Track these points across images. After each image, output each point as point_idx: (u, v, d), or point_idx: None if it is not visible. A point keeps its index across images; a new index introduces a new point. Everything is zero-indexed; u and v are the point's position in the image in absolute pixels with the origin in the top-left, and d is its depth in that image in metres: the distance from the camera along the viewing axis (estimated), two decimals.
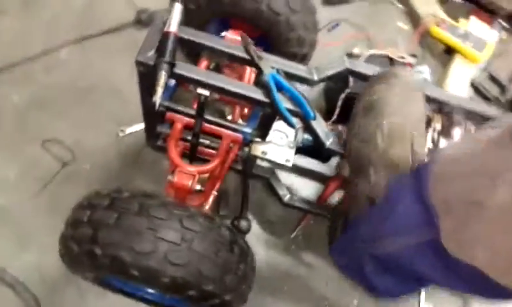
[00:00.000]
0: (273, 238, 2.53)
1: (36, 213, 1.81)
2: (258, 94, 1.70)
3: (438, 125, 2.02)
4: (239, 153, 2.22)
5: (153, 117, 1.98)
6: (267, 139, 2.10)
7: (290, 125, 1.69)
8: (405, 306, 2.47)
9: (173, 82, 1.96)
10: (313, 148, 2.29)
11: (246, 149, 2.09)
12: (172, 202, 1.63)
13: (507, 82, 3.03)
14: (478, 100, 2.90)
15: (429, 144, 1.97)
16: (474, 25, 3.06)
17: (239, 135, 2.00)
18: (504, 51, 3.13)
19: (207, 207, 1.97)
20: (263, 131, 1.95)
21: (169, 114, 1.98)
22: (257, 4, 2.08)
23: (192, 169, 1.88)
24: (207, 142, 2.08)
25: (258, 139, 2.04)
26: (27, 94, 2.59)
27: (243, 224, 2.43)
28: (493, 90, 3.02)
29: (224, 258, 1.61)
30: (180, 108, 1.94)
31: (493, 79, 3.04)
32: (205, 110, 1.87)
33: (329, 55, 2.31)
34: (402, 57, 2.53)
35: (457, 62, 2.96)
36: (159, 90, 1.55)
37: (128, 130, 2.57)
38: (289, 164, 2.12)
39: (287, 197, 2.34)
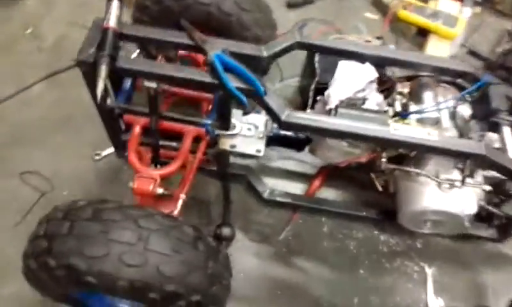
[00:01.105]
0: (262, 244, 2.41)
1: (15, 243, 1.77)
2: (205, 77, 1.67)
3: (405, 89, 1.95)
4: (209, 152, 2.16)
5: (110, 122, 1.96)
6: (235, 131, 2.05)
7: (242, 103, 1.64)
8: (413, 297, 2.28)
9: (128, 83, 1.95)
10: (287, 138, 2.24)
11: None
12: (128, 205, 1.57)
13: (488, 54, 2.94)
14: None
15: (398, 108, 1.89)
16: (445, 4, 3.03)
17: (201, 129, 1.94)
18: (480, 25, 3.07)
19: (175, 212, 1.89)
20: (223, 119, 1.90)
21: (126, 117, 1.95)
22: (207, 7, 2.09)
23: (154, 172, 1.83)
24: (168, 142, 2.03)
25: (223, 132, 1.99)
26: (2, 133, 2.61)
27: (226, 231, 2.33)
28: (475, 64, 2.93)
29: (187, 256, 1.51)
30: (134, 108, 1.91)
31: (473, 53, 2.97)
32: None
33: (298, 55, 2.28)
34: (368, 41, 2.50)
35: (432, 41, 2.91)
36: (100, 84, 1.53)
37: (104, 152, 2.56)
38: (260, 154, 2.05)
39: (266, 193, 2.25)
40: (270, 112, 1.65)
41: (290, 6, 3.12)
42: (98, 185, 2.50)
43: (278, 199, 2.26)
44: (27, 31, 3.06)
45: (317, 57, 2.27)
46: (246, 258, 2.35)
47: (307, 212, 2.46)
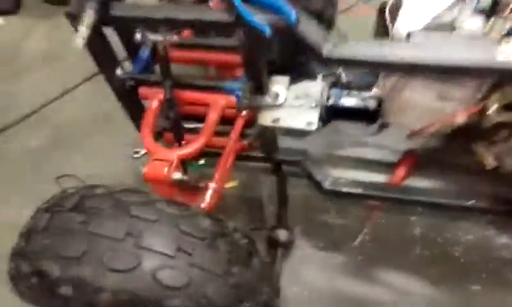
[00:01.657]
0: (331, 251, 1.85)
1: None
2: (219, 15, 1.23)
3: None
4: (249, 134, 1.70)
5: (124, 97, 1.61)
6: (278, 101, 1.56)
7: (263, 32, 1.17)
8: None
9: (146, 52, 1.59)
10: (351, 108, 1.69)
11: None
12: (122, 189, 1.19)
13: None
14: None
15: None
16: None
17: (229, 97, 1.50)
18: None
19: (202, 205, 1.45)
20: (256, 79, 1.43)
21: (141, 90, 1.59)
22: None
23: (170, 153, 1.42)
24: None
25: (259, 100, 1.51)
26: (43, 137, 2.46)
27: (281, 234, 1.84)
28: None
29: (199, 258, 1.11)
30: (144, 77, 1.54)
31: None
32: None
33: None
34: None
35: None
36: (82, 29, 1.18)
37: (144, 150, 2.24)
38: (312, 128, 1.53)
39: (328, 182, 1.70)
40: (306, 45, 1.15)
41: None
42: (138, 184, 2.17)
43: (344, 189, 1.70)
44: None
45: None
46: (309, 270, 1.83)
47: (391, 207, 1.85)
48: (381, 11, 2.06)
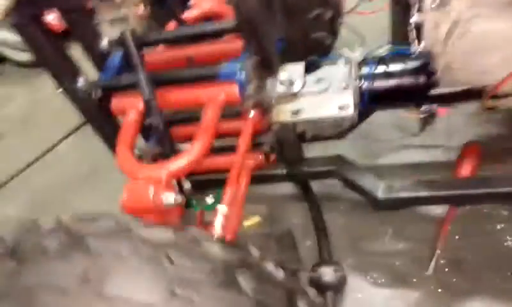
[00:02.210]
0: (397, 288, 1.36)
1: None
2: None
3: None
4: (263, 141, 1.29)
5: (93, 113, 1.22)
6: (295, 89, 1.17)
7: None
8: None
9: (116, 59, 1.23)
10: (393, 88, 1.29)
11: None
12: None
13: None
14: None
15: None
16: None
17: (229, 85, 1.10)
18: None
19: (214, 234, 1.01)
20: (261, 48, 1.03)
21: (114, 102, 1.20)
22: None
23: (157, 169, 1.01)
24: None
25: (267, 83, 1.12)
26: (21, 204, 2.07)
27: (327, 273, 1.37)
28: None
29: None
30: (115, 82, 1.16)
31: None
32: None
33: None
34: None
35: None
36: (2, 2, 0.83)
37: None
38: (349, 112, 1.12)
39: (381, 190, 1.25)
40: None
41: None
42: None
43: (403, 194, 1.23)
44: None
45: None
46: None
47: (465, 215, 1.38)
48: None
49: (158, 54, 1.34)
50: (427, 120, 1.86)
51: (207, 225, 1.15)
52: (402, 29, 1.28)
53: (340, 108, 1.17)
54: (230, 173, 1.16)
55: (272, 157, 1.38)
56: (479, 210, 1.43)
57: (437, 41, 1.05)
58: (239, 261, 0.75)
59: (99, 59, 1.29)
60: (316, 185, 1.60)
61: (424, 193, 1.22)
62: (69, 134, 2.30)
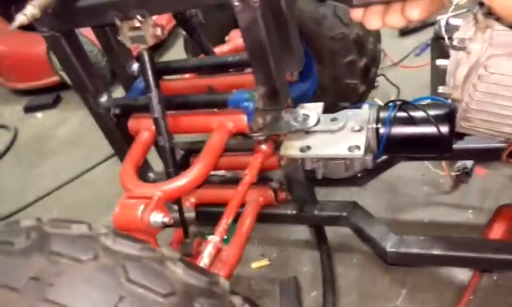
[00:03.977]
0: None
1: None
2: None
3: None
4: (272, 177, 1.26)
5: (112, 131, 1.26)
6: (308, 124, 1.15)
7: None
8: None
9: (142, 83, 1.28)
10: (414, 136, 1.23)
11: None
12: None
13: None
14: None
15: None
16: None
17: (237, 114, 1.10)
18: None
19: (201, 264, 0.98)
20: (267, 76, 1.02)
21: (131, 122, 1.24)
22: None
23: (151, 188, 1.02)
24: None
25: (278, 117, 1.10)
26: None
27: None
28: None
29: None
30: (133, 102, 1.20)
31: None
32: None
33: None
34: None
35: None
36: (29, 8, 0.90)
37: None
38: (359, 153, 1.07)
39: (391, 242, 1.16)
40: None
41: (402, 34, 2.70)
42: None
43: (415, 250, 1.13)
44: None
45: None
46: None
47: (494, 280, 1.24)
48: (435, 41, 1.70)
49: (180, 81, 1.38)
50: (461, 178, 1.74)
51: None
52: (442, 82, 1.23)
53: (350, 149, 1.12)
54: (229, 203, 1.14)
55: (283, 195, 1.33)
56: (507, 280, 1.28)
57: (457, 83, 0.99)
58: (202, 288, 0.70)
59: (128, 81, 1.36)
60: (331, 233, 1.53)
61: (438, 251, 1.11)
62: (107, 158, 2.40)
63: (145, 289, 0.65)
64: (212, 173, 1.37)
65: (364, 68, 1.71)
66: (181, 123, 1.17)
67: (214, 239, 1.05)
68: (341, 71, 1.70)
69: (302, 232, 1.62)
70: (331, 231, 1.53)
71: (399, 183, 1.71)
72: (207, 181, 1.36)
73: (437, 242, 1.12)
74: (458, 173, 1.61)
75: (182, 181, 1.03)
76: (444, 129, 1.17)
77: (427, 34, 2.51)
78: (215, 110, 1.15)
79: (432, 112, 1.18)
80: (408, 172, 1.71)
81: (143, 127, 1.22)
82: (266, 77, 1.02)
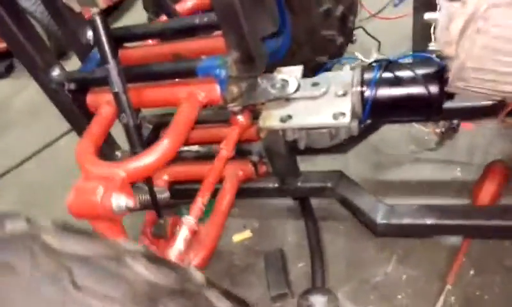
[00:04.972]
0: None
1: None
2: None
3: None
4: (251, 150, 1.16)
5: (68, 108, 1.12)
6: (287, 91, 1.04)
7: None
8: None
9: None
10: (400, 98, 1.14)
11: None
12: None
13: None
14: None
15: None
16: None
17: (209, 83, 0.97)
18: None
19: (171, 256, 0.89)
20: (246, 53, 0.90)
21: (89, 98, 1.10)
22: None
23: (113, 167, 0.90)
24: None
25: (253, 84, 0.99)
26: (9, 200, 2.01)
27: (319, 301, 1.22)
28: None
29: None
30: (89, 75, 1.06)
31: None
32: None
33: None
34: None
35: None
36: None
37: None
38: (345, 121, 0.97)
39: (381, 214, 1.09)
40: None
41: None
42: None
43: (407, 221, 1.07)
44: None
45: None
46: None
47: (484, 247, 1.20)
48: None
49: (142, 49, 1.24)
50: (447, 134, 1.68)
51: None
52: (426, 35, 1.13)
53: (335, 116, 1.02)
54: (204, 180, 1.04)
55: (264, 168, 1.24)
56: (499, 242, 1.24)
57: (451, 39, 0.89)
58: (170, 287, 0.60)
59: (83, 51, 1.20)
60: (316, 201, 1.46)
61: (431, 221, 1.05)
62: (70, 130, 2.23)
63: (98, 296, 0.54)
64: (187, 148, 1.27)
65: (341, 17, 1.59)
66: (145, 96, 1.04)
67: (188, 221, 0.96)
68: (316, 22, 1.57)
69: (284, 199, 1.54)
70: (315, 199, 1.46)
71: (383, 143, 1.64)
72: (181, 157, 1.26)
73: (430, 211, 1.06)
74: (444, 129, 1.54)
75: (148, 158, 0.92)
76: (434, 89, 1.08)
77: None
78: (183, 80, 1.03)
79: (420, 71, 1.08)
80: (391, 131, 1.63)
81: (103, 101, 1.08)
82: (239, 40, 0.89)
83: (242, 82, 1.01)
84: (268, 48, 1.77)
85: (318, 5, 1.53)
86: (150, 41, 1.27)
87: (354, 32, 1.86)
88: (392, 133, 1.62)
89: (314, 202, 1.45)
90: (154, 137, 1.39)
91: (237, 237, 1.50)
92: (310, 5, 1.53)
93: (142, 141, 1.01)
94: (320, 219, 1.44)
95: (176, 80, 1.04)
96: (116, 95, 0.96)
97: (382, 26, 2.22)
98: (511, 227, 1.00)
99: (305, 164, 1.34)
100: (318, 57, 1.65)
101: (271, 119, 1.06)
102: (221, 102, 1.01)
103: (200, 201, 0.99)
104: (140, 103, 1.05)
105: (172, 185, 1.29)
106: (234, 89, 1.01)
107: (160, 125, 1.39)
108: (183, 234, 0.93)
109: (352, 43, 1.87)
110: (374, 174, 1.55)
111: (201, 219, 1.23)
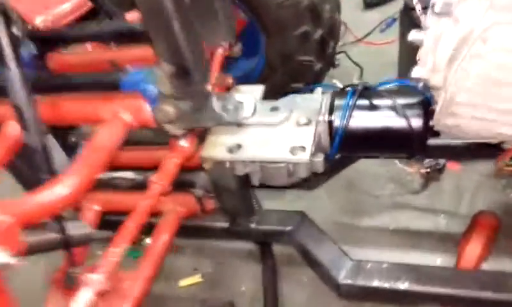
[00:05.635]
0: None
1: None
2: None
3: None
4: (201, 186, 0.97)
5: None
6: (241, 115, 0.85)
7: None
8: None
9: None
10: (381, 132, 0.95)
11: None
12: None
13: None
14: None
15: None
16: None
17: (135, 99, 0.78)
18: None
19: None
20: (179, 65, 0.71)
21: None
22: None
23: None
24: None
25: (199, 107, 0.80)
26: None
27: None
28: None
29: None
30: None
31: None
32: None
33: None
34: None
35: None
36: None
37: None
38: (304, 157, 0.78)
39: (345, 271, 0.89)
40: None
41: (367, 6, 2.39)
42: None
43: (375, 283, 0.86)
44: None
45: None
46: None
47: None
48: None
49: (76, 55, 1.04)
50: (432, 176, 1.50)
51: None
52: (412, 62, 0.95)
53: (293, 150, 0.83)
54: (122, 226, 0.83)
55: (211, 203, 1.04)
56: None
57: (437, 65, 0.71)
58: None
59: None
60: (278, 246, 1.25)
61: (405, 285, 0.85)
62: None
63: None
64: (120, 174, 1.06)
65: (320, 42, 1.41)
66: (60, 111, 0.84)
67: (93, 279, 0.74)
68: (292, 46, 1.39)
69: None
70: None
71: (359, 179, 1.45)
72: (113, 184, 1.05)
73: (404, 271, 0.86)
74: (428, 170, 1.36)
75: (48, 196, 0.71)
76: (416, 123, 0.89)
77: (393, 7, 2.25)
78: (108, 94, 0.83)
79: (402, 101, 0.90)
80: (369, 166, 1.45)
81: (7, 116, 0.87)
82: (171, 50, 0.70)
83: (181, 100, 0.82)
84: (240, 70, 1.62)
85: (294, 27, 1.36)
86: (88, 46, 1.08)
87: (337, 57, 1.70)
88: (370, 167, 1.44)
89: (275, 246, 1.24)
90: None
91: (184, 281, 1.28)
92: (286, 27, 1.36)
93: (51, 166, 0.80)
94: (283, 264, 1.23)
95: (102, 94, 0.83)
96: (16, 108, 0.75)
97: (367, 52, 2.07)
98: (504, 302, 0.80)
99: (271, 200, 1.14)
100: (293, 84, 1.47)
101: (216, 148, 0.87)
102: (152, 123, 0.81)
103: (113, 253, 0.78)
104: (54, 118, 0.84)
105: (104, 216, 1.07)
106: (169, 109, 0.81)
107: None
108: (83, 298, 0.71)
109: (334, 68, 1.70)
110: (345, 216, 1.35)
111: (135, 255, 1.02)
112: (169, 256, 1.35)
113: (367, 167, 1.44)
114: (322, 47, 1.44)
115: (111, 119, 0.80)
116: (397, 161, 1.37)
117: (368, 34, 2.16)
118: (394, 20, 2.17)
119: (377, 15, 2.30)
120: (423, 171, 1.36)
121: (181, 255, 1.36)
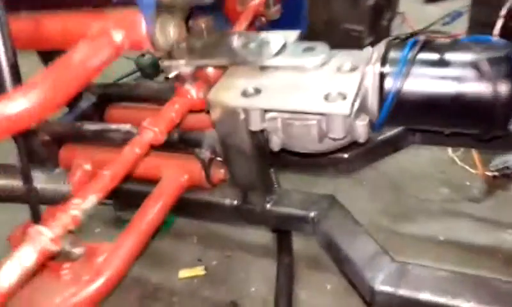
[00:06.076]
0: None
1: None
2: None
3: None
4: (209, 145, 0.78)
5: None
6: (265, 53, 0.65)
7: None
8: None
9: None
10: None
11: None
12: None
13: None
14: None
15: None
16: None
17: (132, 14, 0.59)
18: None
19: None
20: None
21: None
22: None
23: None
24: None
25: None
26: None
27: None
28: None
29: None
30: None
31: None
32: None
33: None
34: None
35: None
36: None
37: None
38: (344, 106, 0.56)
39: (383, 275, 0.65)
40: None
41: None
42: None
43: (424, 295, 0.62)
44: None
45: None
46: None
47: None
48: None
49: None
50: (500, 182, 1.20)
51: None
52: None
53: (328, 97, 0.61)
54: (95, 177, 0.64)
55: (220, 173, 0.83)
56: None
57: None
58: None
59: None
60: (300, 239, 1.01)
61: (470, 304, 0.60)
62: None
63: None
64: (116, 125, 0.88)
65: (373, 9, 1.19)
66: (41, 30, 0.66)
67: (39, 236, 0.54)
68: (340, 10, 1.18)
69: (261, 229, 1.12)
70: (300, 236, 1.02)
71: (407, 181, 1.20)
72: (107, 137, 0.88)
73: (471, 285, 0.61)
74: (497, 174, 1.09)
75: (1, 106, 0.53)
76: (502, 88, 0.66)
77: (456, 3, 2.04)
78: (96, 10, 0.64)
79: (481, 55, 0.66)
80: (421, 164, 1.20)
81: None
82: None
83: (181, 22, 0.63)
84: None
85: None
86: None
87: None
88: (420, 164, 1.19)
89: (298, 238, 1.01)
90: (97, 112, 1.02)
91: (184, 272, 1.08)
92: None
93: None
94: (303, 265, 1.00)
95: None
96: None
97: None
98: None
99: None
100: None
101: (229, 91, 0.66)
102: (146, 46, 0.62)
103: (75, 206, 0.58)
104: (34, 40, 0.67)
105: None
106: (171, 31, 0.62)
107: (105, 97, 1.02)
108: (22, 256, 0.51)
109: None
110: (386, 218, 1.10)
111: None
112: (172, 240, 1.16)
113: (417, 167, 1.20)
114: (376, 16, 1.22)
115: (95, 35, 0.62)
116: (456, 158, 1.12)
117: (429, 25, 1.93)
118: (459, 14, 1.96)
119: (438, 10, 2.08)
120: (489, 174, 1.10)
121: (186, 242, 1.16)
